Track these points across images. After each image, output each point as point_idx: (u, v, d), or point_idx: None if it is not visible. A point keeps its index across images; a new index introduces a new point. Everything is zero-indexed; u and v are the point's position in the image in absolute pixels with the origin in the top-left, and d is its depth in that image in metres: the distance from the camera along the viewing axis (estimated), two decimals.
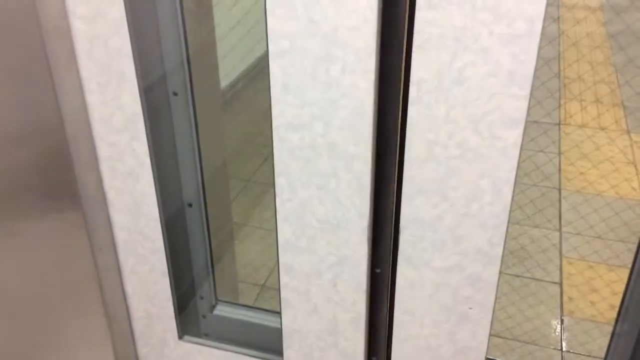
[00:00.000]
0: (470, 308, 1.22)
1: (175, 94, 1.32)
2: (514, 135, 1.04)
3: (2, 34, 1.12)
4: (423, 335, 1.29)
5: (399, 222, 1.18)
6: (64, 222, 1.31)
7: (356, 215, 1.19)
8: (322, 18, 1.03)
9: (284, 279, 1.32)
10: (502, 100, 1.02)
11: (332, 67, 1.07)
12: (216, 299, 1.60)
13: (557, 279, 2.56)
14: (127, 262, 1.43)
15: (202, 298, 1.57)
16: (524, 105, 1.01)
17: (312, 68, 1.08)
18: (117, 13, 1.13)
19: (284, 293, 1.34)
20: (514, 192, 1.09)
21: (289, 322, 1.37)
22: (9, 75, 1.16)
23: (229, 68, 3.40)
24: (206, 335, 1.57)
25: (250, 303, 2.42)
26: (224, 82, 3.36)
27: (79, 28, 1.17)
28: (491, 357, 1.36)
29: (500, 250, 1.15)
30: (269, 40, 1.08)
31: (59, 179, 1.27)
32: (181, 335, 1.52)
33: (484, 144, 1.06)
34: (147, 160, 1.28)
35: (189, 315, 1.55)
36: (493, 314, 1.23)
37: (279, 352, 1.45)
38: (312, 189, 1.19)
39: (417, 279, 1.23)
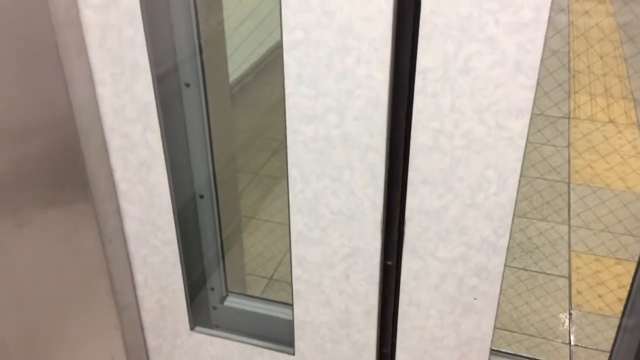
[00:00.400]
0: (475, 298, 1.22)
1: (187, 85, 1.31)
2: (520, 126, 1.04)
3: (12, 24, 1.12)
4: (428, 326, 1.29)
5: (404, 213, 1.18)
6: (74, 213, 1.31)
7: (370, 207, 1.19)
8: (337, 9, 1.02)
9: (296, 270, 1.31)
10: (508, 89, 1.01)
11: (346, 57, 1.06)
12: (227, 290, 1.60)
13: (565, 272, 2.55)
14: (140, 253, 1.43)
15: (212, 289, 1.58)
16: (530, 95, 1.01)
17: (327, 59, 1.07)
18: (131, 2, 1.13)
19: (296, 285, 1.33)
20: (519, 182, 1.09)
21: (300, 313, 1.37)
22: (19, 66, 1.16)
23: (237, 62, 3.39)
24: (217, 327, 1.57)
25: (257, 295, 2.42)
26: (232, 76, 3.35)
27: (91, 18, 1.16)
28: (496, 349, 1.36)
29: (505, 241, 1.15)
30: (283, 31, 1.07)
31: (69, 170, 1.26)
32: (193, 326, 1.52)
33: (490, 134, 1.06)
34: (160, 151, 1.28)
35: (200, 307, 1.55)
36: (498, 305, 1.23)
37: (289, 344, 1.45)
38: (326, 180, 1.19)
39: (423, 270, 1.23)
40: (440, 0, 0.97)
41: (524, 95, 1.01)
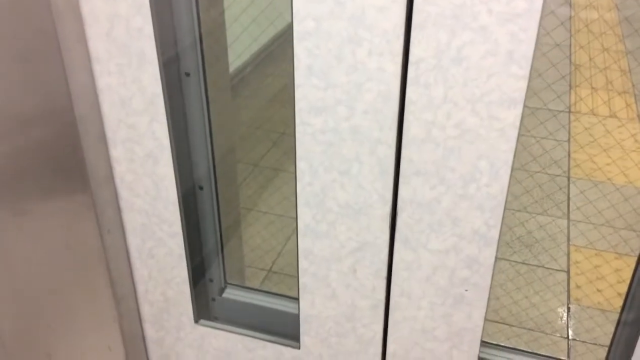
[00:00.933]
0: (466, 290, 1.22)
1: (187, 74, 1.30)
2: (512, 116, 1.03)
3: (11, 13, 1.10)
4: (419, 318, 1.29)
5: (396, 204, 1.17)
6: (72, 203, 1.30)
7: (378, 201, 1.18)
8: None
9: (303, 264, 1.30)
10: (501, 79, 1.01)
11: (358, 49, 1.04)
12: (225, 282, 1.59)
13: (564, 266, 2.55)
14: (145, 245, 1.42)
15: (211, 281, 1.57)
16: (523, 85, 1.00)
17: (338, 50, 1.06)
18: None
19: (302, 278, 1.32)
20: (511, 173, 1.09)
21: (306, 307, 1.36)
22: (19, 55, 1.14)
23: (238, 52, 3.37)
24: (215, 318, 1.57)
25: (256, 287, 2.41)
26: (232, 66, 3.33)
27: (99, 7, 1.15)
28: (487, 340, 1.36)
29: (497, 232, 1.15)
30: (294, 21, 1.05)
31: (68, 160, 1.25)
32: (197, 319, 1.51)
33: (482, 124, 1.05)
34: (167, 143, 1.26)
35: (199, 298, 1.54)
36: (489, 297, 1.23)
37: (291, 336, 1.44)
38: (334, 173, 1.18)
39: (414, 261, 1.22)
40: None
41: (516, 85, 1.00)
